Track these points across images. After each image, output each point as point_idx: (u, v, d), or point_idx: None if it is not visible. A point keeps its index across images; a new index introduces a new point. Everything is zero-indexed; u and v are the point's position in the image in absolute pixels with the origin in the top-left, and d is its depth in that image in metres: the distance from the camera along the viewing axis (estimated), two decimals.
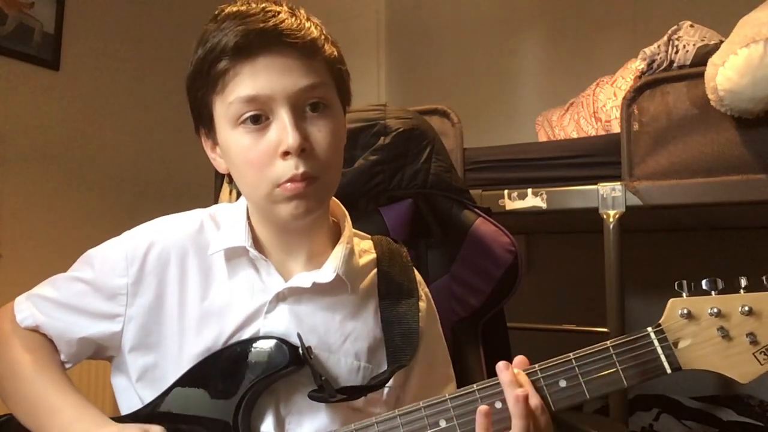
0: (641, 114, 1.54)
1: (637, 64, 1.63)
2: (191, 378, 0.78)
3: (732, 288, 0.68)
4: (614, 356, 0.68)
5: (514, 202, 1.67)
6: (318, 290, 0.81)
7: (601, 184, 1.57)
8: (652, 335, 0.67)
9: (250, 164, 0.76)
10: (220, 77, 0.75)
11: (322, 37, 0.79)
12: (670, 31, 1.58)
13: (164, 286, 0.81)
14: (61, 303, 0.82)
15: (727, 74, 1.33)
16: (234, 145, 0.77)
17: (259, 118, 0.75)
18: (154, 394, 0.80)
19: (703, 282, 0.68)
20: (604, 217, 1.55)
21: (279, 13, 0.76)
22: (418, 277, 0.95)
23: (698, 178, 1.46)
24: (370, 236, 0.96)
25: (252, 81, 0.74)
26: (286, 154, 0.74)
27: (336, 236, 0.87)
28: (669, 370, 0.67)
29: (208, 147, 0.85)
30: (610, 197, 1.55)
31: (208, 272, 0.82)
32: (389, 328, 0.85)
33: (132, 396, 0.82)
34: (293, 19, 0.77)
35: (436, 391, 0.81)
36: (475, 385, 0.70)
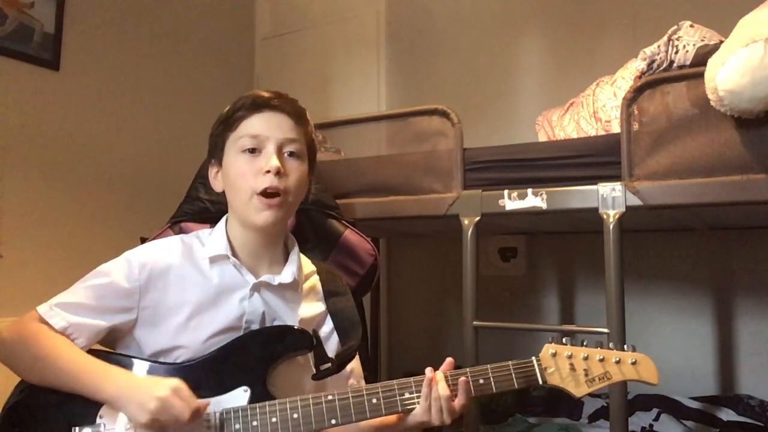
0: (641, 114, 1.54)
1: (637, 64, 1.63)
2: (217, 353, 1.07)
3: (578, 343, 1.09)
4: (512, 371, 1.07)
5: (514, 202, 1.67)
6: (279, 287, 1.17)
7: (601, 184, 1.57)
8: (535, 363, 1.08)
9: (241, 176, 1.11)
10: (236, 121, 1.13)
11: (310, 122, 1.17)
12: (670, 31, 1.58)
13: (167, 286, 1.11)
14: (88, 305, 1.08)
15: (727, 74, 1.32)
16: (233, 164, 1.13)
17: (255, 150, 1.11)
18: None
19: (564, 339, 1.09)
20: (604, 217, 1.55)
21: (284, 95, 1.16)
22: None
23: (698, 178, 1.46)
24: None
25: (257, 124, 1.12)
26: (267, 172, 1.09)
27: (286, 255, 1.22)
28: (540, 383, 1.07)
29: (212, 174, 1.19)
30: (610, 197, 1.55)
31: (200, 273, 1.14)
32: (336, 318, 1.22)
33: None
34: (293, 100, 1.16)
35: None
36: (411, 379, 1.06)
